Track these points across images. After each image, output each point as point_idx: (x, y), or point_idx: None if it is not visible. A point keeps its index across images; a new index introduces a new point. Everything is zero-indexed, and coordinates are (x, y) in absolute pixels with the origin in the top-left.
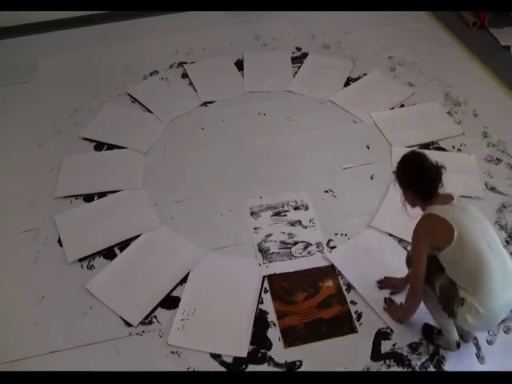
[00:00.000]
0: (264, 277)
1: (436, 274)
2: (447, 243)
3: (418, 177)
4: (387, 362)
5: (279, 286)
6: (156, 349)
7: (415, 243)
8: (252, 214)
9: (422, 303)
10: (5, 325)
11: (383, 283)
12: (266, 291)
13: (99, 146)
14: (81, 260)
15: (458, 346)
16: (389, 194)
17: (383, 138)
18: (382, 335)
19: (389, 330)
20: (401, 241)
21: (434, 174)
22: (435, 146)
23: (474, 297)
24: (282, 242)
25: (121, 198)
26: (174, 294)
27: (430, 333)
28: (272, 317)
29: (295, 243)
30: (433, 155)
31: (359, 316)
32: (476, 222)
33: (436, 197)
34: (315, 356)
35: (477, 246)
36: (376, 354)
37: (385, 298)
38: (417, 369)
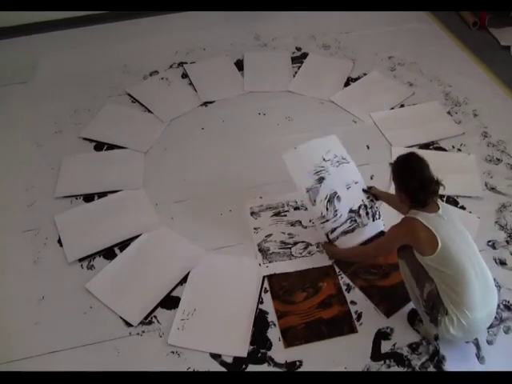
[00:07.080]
0: (264, 277)
1: (427, 279)
2: (429, 252)
3: (418, 187)
4: (387, 362)
5: (279, 286)
6: (156, 349)
7: (389, 239)
8: (252, 213)
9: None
10: (5, 325)
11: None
12: (266, 291)
13: (99, 146)
14: (81, 260)
15: (436, 338)
16: None
17: (383, 137)
18: (381, 335)
19: (389, 330)
20: None
21: (433, 188)
22: (435, 145)
23: (456, 309)
24: (282, 242)
25: (121, 198)
26: (174, 293)
27: (412, 318)
28: (272, 317)
29: (295, 243)
30: (433, 155)
31: (359, 316)
32: (459, 234)
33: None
34: (315, 356)
35: (458, 258)
36: (376, 354)
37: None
38: (417, 369)
